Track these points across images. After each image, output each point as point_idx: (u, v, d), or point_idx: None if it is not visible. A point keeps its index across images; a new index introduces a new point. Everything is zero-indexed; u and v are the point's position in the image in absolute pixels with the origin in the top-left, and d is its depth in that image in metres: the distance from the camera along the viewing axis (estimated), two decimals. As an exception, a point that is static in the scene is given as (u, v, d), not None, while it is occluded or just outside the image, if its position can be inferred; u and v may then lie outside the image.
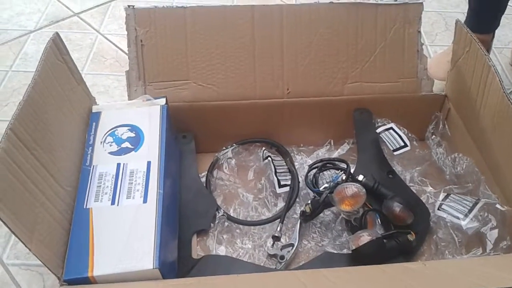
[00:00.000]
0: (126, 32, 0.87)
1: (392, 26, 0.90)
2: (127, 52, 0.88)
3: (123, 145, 0.77)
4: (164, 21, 0.87)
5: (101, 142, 0.78)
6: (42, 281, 0.79)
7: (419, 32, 0.91)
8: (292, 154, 0.93)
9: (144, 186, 0.72)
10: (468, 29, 0.82)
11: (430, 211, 0.82)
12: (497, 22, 1.12)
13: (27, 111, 0.65)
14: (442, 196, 0.80)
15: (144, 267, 0.63)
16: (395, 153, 0.89)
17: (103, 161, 0.75)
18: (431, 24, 1.36)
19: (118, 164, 0.75)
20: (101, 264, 0.64)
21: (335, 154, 0.94)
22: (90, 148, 0.77)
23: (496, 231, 0.73)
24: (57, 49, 0.76)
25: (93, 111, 0.83)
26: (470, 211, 0.76)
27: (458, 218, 0.76)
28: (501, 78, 0.73)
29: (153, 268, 0.63)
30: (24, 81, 1.15)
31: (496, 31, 1.14)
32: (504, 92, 0.72)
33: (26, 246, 0.58)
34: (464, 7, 1.31)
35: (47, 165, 0.66)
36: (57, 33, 0.77)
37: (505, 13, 1.10)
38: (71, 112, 0.77)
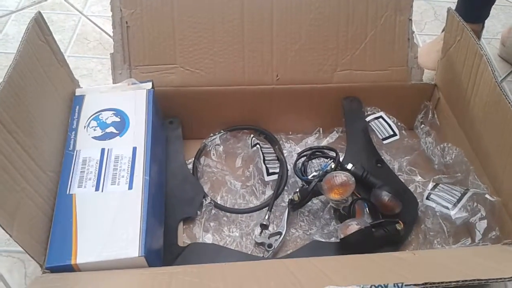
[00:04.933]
0: (110, 14, 0.84)
1: (383, 14, 0.89)
2: (111, 34, 0.85)
3: (108, 130, 0.75)
4: (151, 2, 0.84)
5: (84, 127, 0.75)
6: (24, 268, 0.77)
7: (410, 20, 0.90)
8: (280, 142, 0.92)
9: (129, 172, 0.70)
10: (460, 18, 0.82)
11: (419, 200, 0.82)
12: (487, 12, 1.12)
13: (8, 92, 0.62)
14: (431, 185, 0.80)
15: (130, 255, 0.62)
16: (384, 142, 0.88)
17: (86, 146, 0.73)
18: (420, 13, 1.35)
19: (103, 149, 0.73)
20: (85, 251, 0.62)
21: (324, 142, 0.93)
22: (73, 132, 0.75)
23: (485, 221, 0.73)
24: (39, 29, 0.73)
25: (76, 94, 0.80)
26: (458, 201, 0.76)
27: (447, 207, 0.75)
28: (493, 67, 0.72)
29: (139, 256, 0.62)
30: (5, 63, 1.12)
31: (485, 21, 1.14)
32: (496, 81, 0.71)
33: (7, 232, 0.56)
34: (454, -4, 1.31)
35: (29, 149, 0.64)
36: (39, 13, 0.74)
37: (494, 3, 1.10)
38: (53, 95, 0.74)
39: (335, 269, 0.61)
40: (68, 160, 0.71)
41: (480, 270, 0.54)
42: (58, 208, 0.66)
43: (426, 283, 0.50)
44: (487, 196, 0.73)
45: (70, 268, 0.61)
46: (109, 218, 0.65)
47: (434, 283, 0.50)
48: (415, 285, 0.50)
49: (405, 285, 0.50)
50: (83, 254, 0.62)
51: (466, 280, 0.50)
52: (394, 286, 0.50)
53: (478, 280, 0.50)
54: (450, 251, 0.72)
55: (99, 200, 0.67)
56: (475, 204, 0.75)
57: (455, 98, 0.86)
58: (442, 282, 0.50)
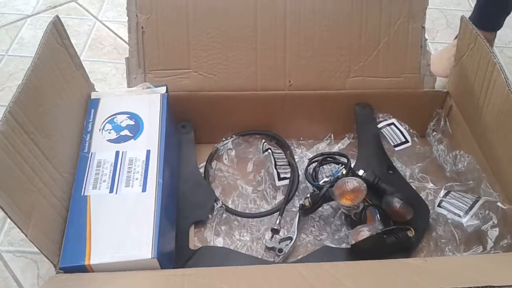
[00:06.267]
0: (124, 20, 0.85)
1: (396, 21, 0.89)
2: (125, 39, 0.87)
3: (122, 133, 0.76)
4: (166, 7, 0.85)
5: (99, 129, 0.76)
6: (37, 269, 0.78)
7: (423, 27, 0.90)
8: (292, 147, 0.93)
9: (143, 175, 0.71)
10: (473, 26, 0.82)
11: (430, 208, 0.82)
12: (502, 22, 1.11)
13: (26, 94, 0.63)
14: (442, 193, 0.80)
15: (142, 257, 0.62)
16: (396, 148, 0.88)
17: (101, 148, 0.74)
18: (432, 21, 1.35)
19: (117, 152, 0.73)
20: (99, 252, 0.63)
21: (335, 148, 0.93)
22: (89, 135, 0.76)
23: (496, 229, 0.73)
24: (57, 33, 0.74)
25: (92, 97, 0.81)
26: (470, 208, 0.75)
27: (458, 215, 0.75)
28: (506, 75, 0.72)
29: (151, 258, 0.62)
30: (21, 66, 1.14)
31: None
32: (509, 89, 0.71)
33: (22, 231, 0.57)
34: (466, 5, 1.31)
35: (45, 150, 0.65)
36: (57, 17, 0.75)
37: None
38: (69, 98, 0.76)
39: (346, 273, 0.61)
40: (83, 162, 0.72)
41: (492, 276, 0.54)
42: (73, 209, 0.67)
43: (438, 289, 0.50)
44: (499, 204, 0.73)
45: (83, 269, 0.62)
46: (123, 220, 0.66)
47: (446, 289, 0.50)
48: (427, 290, 0.50)
49: (417, 290, 0.50)
50: (97, 255, 0.63)
51: (478, 286, 0.50)
52: (406, 291, 0.50)
53: (490, 286, 0.50)
54: (461, 258, 0.72)
55: (113, 202, 0.68)
56: (487, 212, 0.74)
57: (467, 106, 0.86)
58: (454, 288, 0.50)
